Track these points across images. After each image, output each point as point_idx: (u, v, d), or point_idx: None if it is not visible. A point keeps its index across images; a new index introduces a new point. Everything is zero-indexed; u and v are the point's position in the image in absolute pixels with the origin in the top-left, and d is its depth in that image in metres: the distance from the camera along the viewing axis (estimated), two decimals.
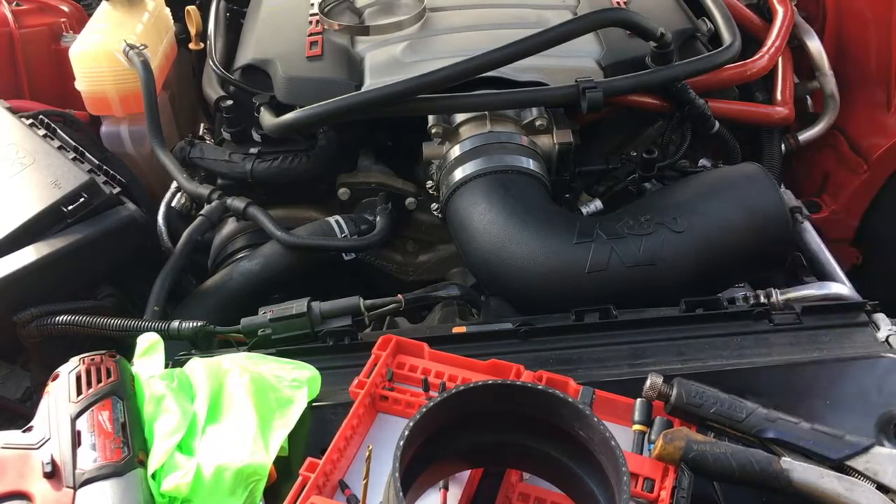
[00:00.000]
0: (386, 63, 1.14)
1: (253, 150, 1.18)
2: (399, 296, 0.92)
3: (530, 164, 1.04)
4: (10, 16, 1.51)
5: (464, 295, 0.97)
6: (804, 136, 1.36)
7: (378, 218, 1.13)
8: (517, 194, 0.98)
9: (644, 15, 1.09)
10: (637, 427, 0.70)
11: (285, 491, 0.64)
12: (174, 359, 0.84)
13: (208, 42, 1.36)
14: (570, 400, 0.61)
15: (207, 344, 0.93)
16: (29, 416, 0.74)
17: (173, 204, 1.29)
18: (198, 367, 0.76)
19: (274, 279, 1.07)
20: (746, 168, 1.01)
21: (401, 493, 0.53)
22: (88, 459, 0.67)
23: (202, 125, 1.39)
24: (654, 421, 0.69)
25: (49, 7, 1.59)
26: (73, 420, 0.70)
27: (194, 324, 0.92)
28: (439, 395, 0.61)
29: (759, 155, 1.29)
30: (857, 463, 0.63)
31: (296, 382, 0.75)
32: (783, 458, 0.63)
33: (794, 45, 1.37)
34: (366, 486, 0.63)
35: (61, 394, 0.73)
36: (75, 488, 0.66)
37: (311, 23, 1.25)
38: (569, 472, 0.64)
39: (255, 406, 0.72)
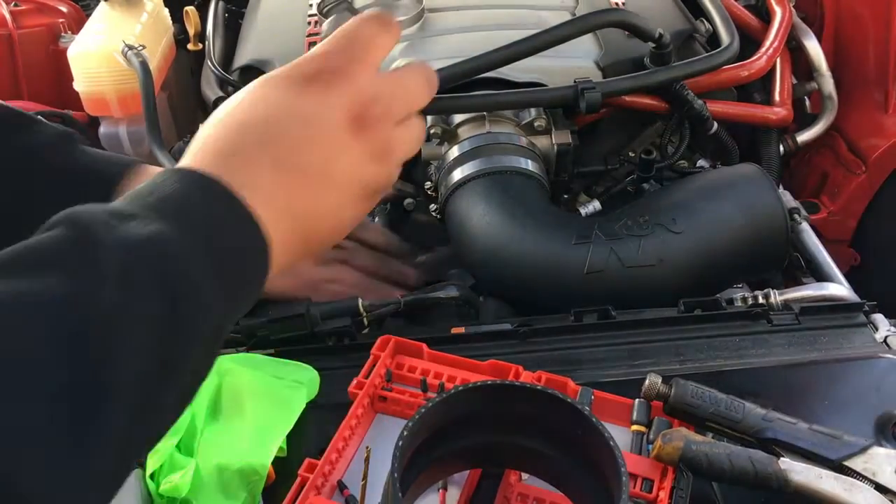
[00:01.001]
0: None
1: None
2: (397, 295, 0.92)
3: (529, 164, 1.03)
4: (8, 16, 1.51)
5: (462, 295, 0.97)
6: (802, 136, 1.36)
7: (376, 219, 1.13)
8: (516, 195, 0.98)
9: (642, 16, 1.09)
10: (636, 427, 0.70)
11: (284, 491, 0.64)
12: None
13: (207, 43, 1.36)
14: (568, 400, 0.61)
15: None
16: None
17: None
18: None
19: None
20: (745, 169, 1.01)
21: (399, 494, 0.53)
22: None
23: (201, 126, 1.38)
24: (653, 421, 0.69)
25: (47, 8, 1.59)
26: None
27: None
28: (438, 395, 0.61)
29: (758, 156, 1.29)
30: (856, 463, 0.63)
31: (295, 382, 0.75)
32: (782, 459, 0.64)
33: (793, 46, 1.37)
34: (364, 486, 0.63)
35: None
36: None
37: (309, 23, 1.25)
38: (567, 473, 0.64)
39: (254, 406, 0.72)
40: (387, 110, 0.55)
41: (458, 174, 1.04)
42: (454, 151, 1.07)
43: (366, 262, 0.97)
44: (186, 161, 0.51)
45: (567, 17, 1.21)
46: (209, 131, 0.53)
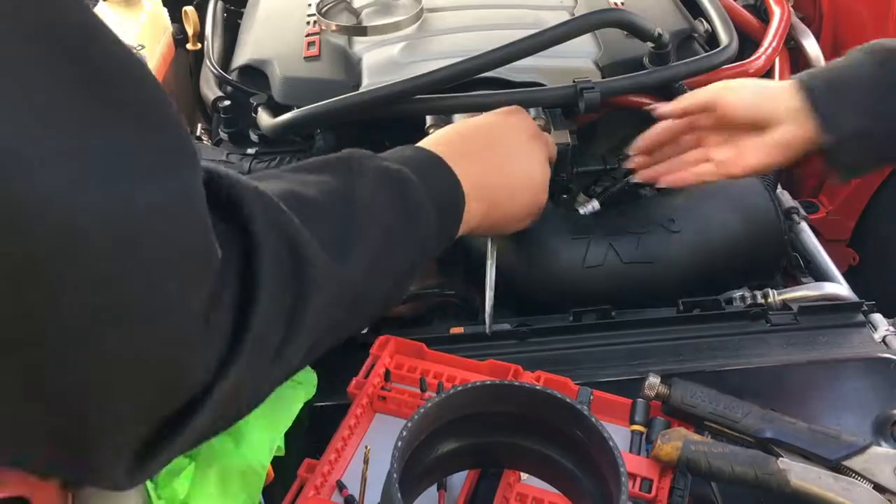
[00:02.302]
0: (383, 63, 1.14)
1: (250, 151, 1.18)
2: None
3: None
4: None
5: (458, 293, 0.97)
6: None
7: None
8: None
9: (641, 16, 1.09)
10: (635, 427, 0.70)
11: (283, 492, 0.64)
12: None
13: (206, 42, 1.36)
14: (567, 400, 0.61)
15: None
16: None
17: None
18: None
19: None
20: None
21: (398, 494, 0.53)
22: None
23: (199, 125, 1.38)
24: (652, 421, 0.69)
25: None
26: None
27: None
28: (437, 395, 0.61)
29: None
30: (855, 463, 0.63)
31: (293, 382, 0.75)
32: (780, 459, 0.64)
33: (791, 46, 1.37)
34: (363, 486, 0.63)
35: None
36: (74, 490, 0.66)
37: (308, 23, 1.25)
38: (567, 473, 0.64)
39: None
40: (546, 140, 0.88)
41: None
42: None
43: None
44: (424, 143, 0.77)
45: (566, 16, 1.21)
46: (443, 130, 0.82)
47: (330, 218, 0.59)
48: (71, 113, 0.37)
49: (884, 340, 0.83)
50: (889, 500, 0.62)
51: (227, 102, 1.20)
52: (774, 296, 0.91)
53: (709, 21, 1.25)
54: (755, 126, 0.81)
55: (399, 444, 0.56)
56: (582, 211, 1.11)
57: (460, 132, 0.81)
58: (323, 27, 1.22)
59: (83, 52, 0.38)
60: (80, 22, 0.38)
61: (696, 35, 1.24)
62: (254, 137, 1.19)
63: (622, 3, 1.26)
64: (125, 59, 0.42)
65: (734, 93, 0.83)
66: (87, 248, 0.37)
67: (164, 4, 1.55)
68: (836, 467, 0.63)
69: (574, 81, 1.05)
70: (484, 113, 0.86)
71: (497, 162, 0.79)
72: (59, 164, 0.36)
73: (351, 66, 1.16)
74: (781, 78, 1.30)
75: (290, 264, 0.53)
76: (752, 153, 0.81)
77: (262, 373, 0.53)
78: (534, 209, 0.83)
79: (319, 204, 0.59)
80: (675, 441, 0.64)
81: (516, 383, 0.63)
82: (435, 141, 0.78)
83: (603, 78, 1.11)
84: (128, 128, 0.40)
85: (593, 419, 0.60)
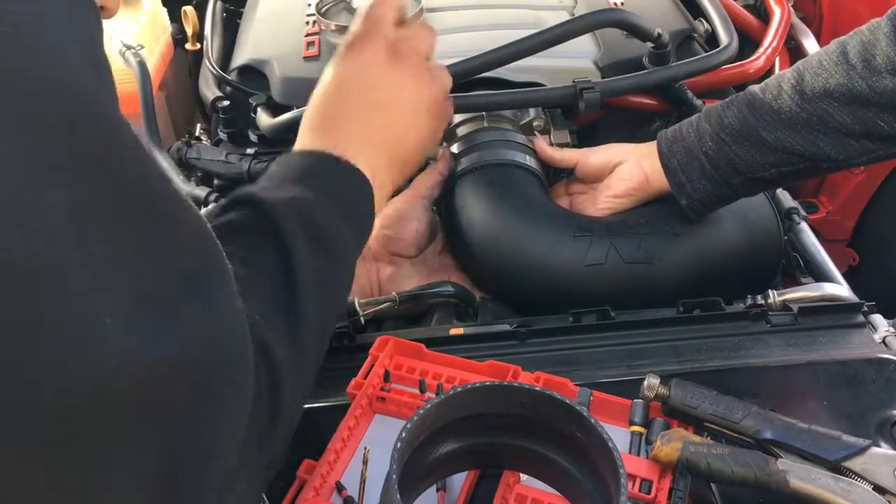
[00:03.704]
0: None
1: (249, 151, 1.18)
2: (393, 293, 0.92)
3: (527, 160, 1.03)
4: None
5: (458, 293, 0.96)
6: None
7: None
8: (515, 188, 0.98)
9: (641, 16, 1.09)
10: (634, 428, 0.70)
11: (282, 493, 0.64)
12: None
13: (205, 42, 1.36)
14: (567, 401, 0.61)
15: None
16: None
17: None
18: None
19: None
20: None
21: (397, 495, 0.53)
22: None
23: (199, 126, 1.38)
24: (652, 422, 0.69)
25: None
26: None
27: None
28: (436, 396, 0.61)
29: None
30: (854, 464, 0.63)
31: None
32: (780, 460, 0.64)
33: (791, 46, 1.37)
34: (362, 487, 0.63)
35: None
36: None
37: (307, 23, 1.25)
38: (566, 474, 0.64)
39: None
40: (410, 45, 0.77)
41: (457, 166, 1.03)
42: (454, 147, 1.07)
43: None
44: (301, 140, 0.72)
45: (566, 16, 1.21)
46: (307, 118, 0.74)
47: (278, 307, 0.58)
48: (137, 265, 0.40)
49: (884, 341, 0.83)
50: (889, 501, 0.62)
51: (226, 102, 1.20)
52: (774, 296, 0.91)
53: (709, 21, 1.25)
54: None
55: (398, 444, 0.56)
56: None
57: (337, 105, 0.74)
58: (322, 27, 1.22)
59: (151, 207, 0.42)
60: (157, 176, 0.42)
61: (696, 35, 1.24)
62: (253, 137, 1.19)
63: (622, 3, 1.26)
64: (186, 217, 0.45)
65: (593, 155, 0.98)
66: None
67: (164, 4, 1.55)
68: (836, 468, 0.63)
69: (574, 81, 1.05)
70: (328, 70, 0.76)
71: (378, 114, 0.73)
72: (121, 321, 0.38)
73: None
74: None
75: (265, 373, 0.53)
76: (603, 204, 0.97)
77: (254, 464, 0.54)
78: (426, 133, 0.79)
79: (266, 292, 0.58)
80: (674, 442, 0.64)
81: (515, 384, 0.63)
82: (320, 127, 0.73)
83: (603, 78, 1.11)
84: (180, 283, 0.42)
85: (592, 420, 0.60)
